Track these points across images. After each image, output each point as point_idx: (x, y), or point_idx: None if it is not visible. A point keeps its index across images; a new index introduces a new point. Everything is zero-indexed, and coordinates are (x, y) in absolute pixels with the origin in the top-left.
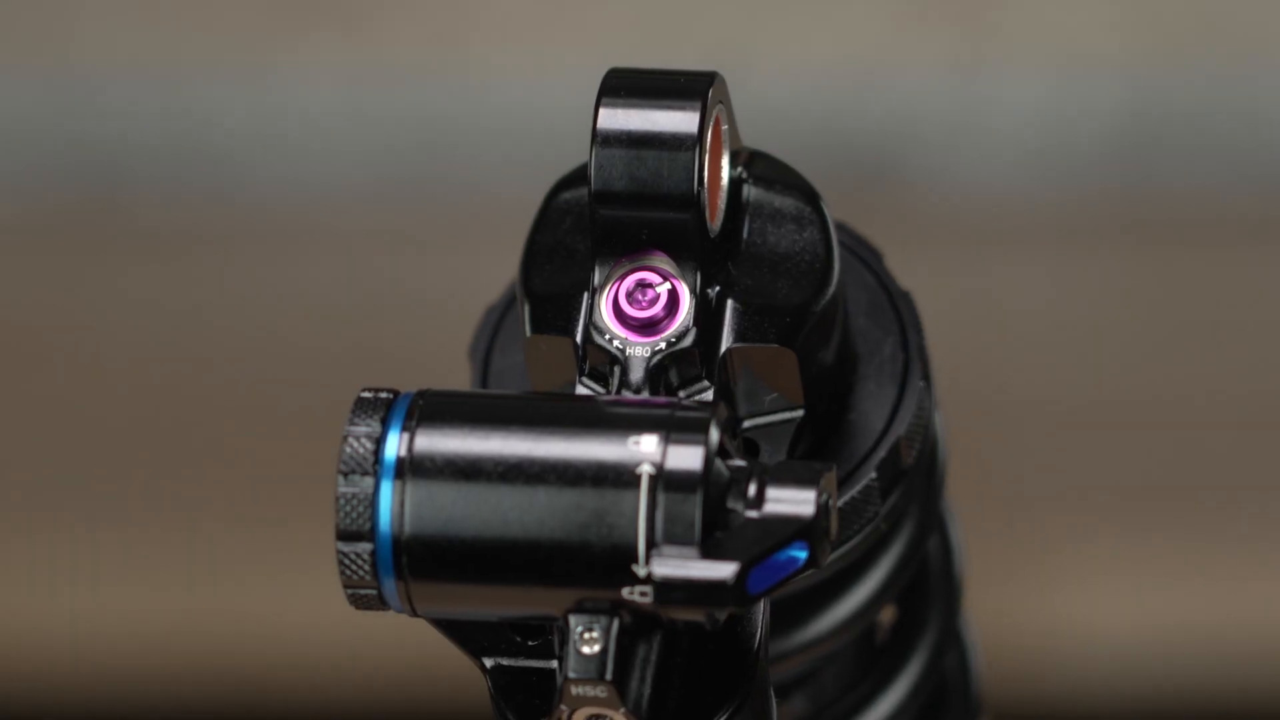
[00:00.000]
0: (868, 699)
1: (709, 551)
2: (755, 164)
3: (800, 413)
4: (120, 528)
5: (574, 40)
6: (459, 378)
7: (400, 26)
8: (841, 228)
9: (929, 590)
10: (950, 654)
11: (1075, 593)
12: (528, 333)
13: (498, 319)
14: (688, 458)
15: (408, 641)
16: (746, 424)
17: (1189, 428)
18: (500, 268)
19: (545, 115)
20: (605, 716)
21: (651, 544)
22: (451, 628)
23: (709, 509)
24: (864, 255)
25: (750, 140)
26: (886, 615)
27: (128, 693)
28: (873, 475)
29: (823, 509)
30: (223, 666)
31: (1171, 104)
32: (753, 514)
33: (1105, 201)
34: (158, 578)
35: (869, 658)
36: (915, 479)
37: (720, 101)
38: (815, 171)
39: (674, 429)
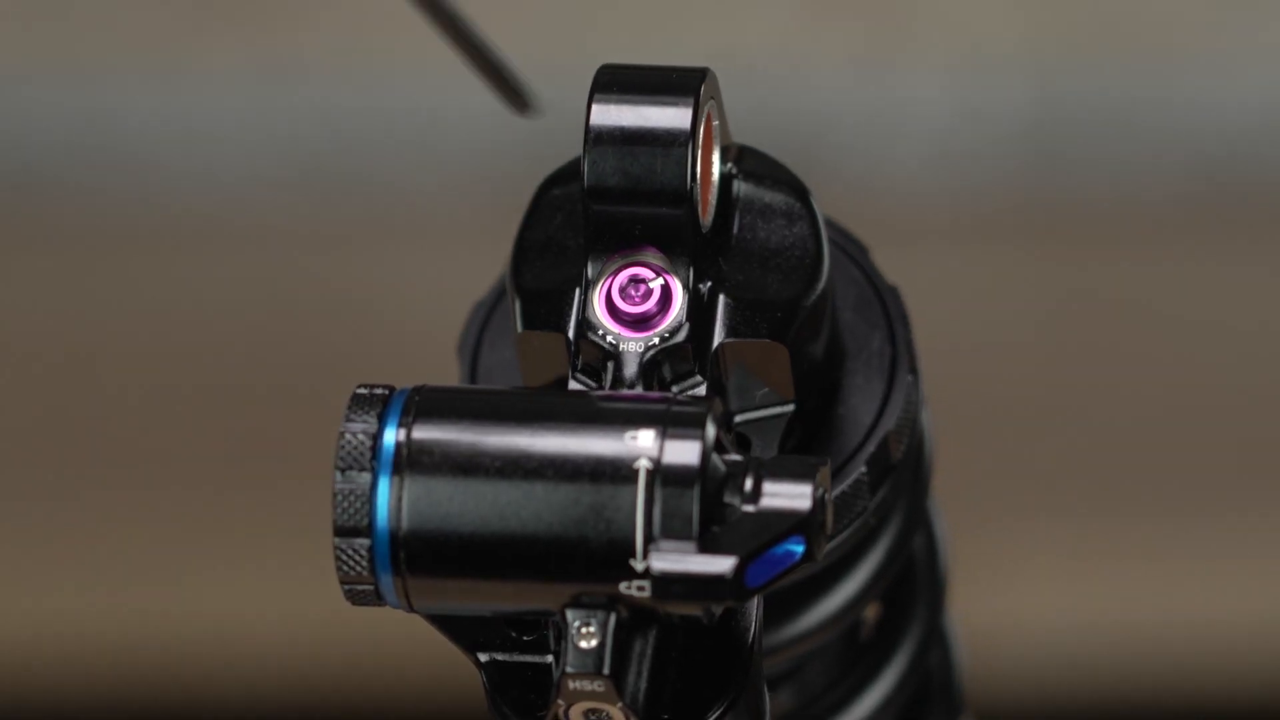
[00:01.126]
0: (852, 695)
1: (706, 546)
2: (745, 159)
3: (791, 407)
4: (37, 528)
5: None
6: (377, 371)
7: (308, 24)
8: (828, 223)
9: (914, 587)
10: (934, 651)
11: (991, 589)
12: (519, 329)
13: (485, 315)
14: (685, 453)
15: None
16: (737, 419)
17: (1100, 421)
18: (417, 262)
19: (455, 112)
20: (602, 710)
21: (649, 539)
22: (446, 623)
23: (706, 504)
24: (850, 250)
25: None
26: (871, 612)
27: (58, 695)
28: (862, 470)
29: (819, 503)
30: (149, 668)
31: (1077, 100)
32: (749, 508)
33: (1011, 197)
34: (77, 577)
35: (854, 654)
36: (903, 473)
37: (711, 97)
38: None
39: (671, 424)
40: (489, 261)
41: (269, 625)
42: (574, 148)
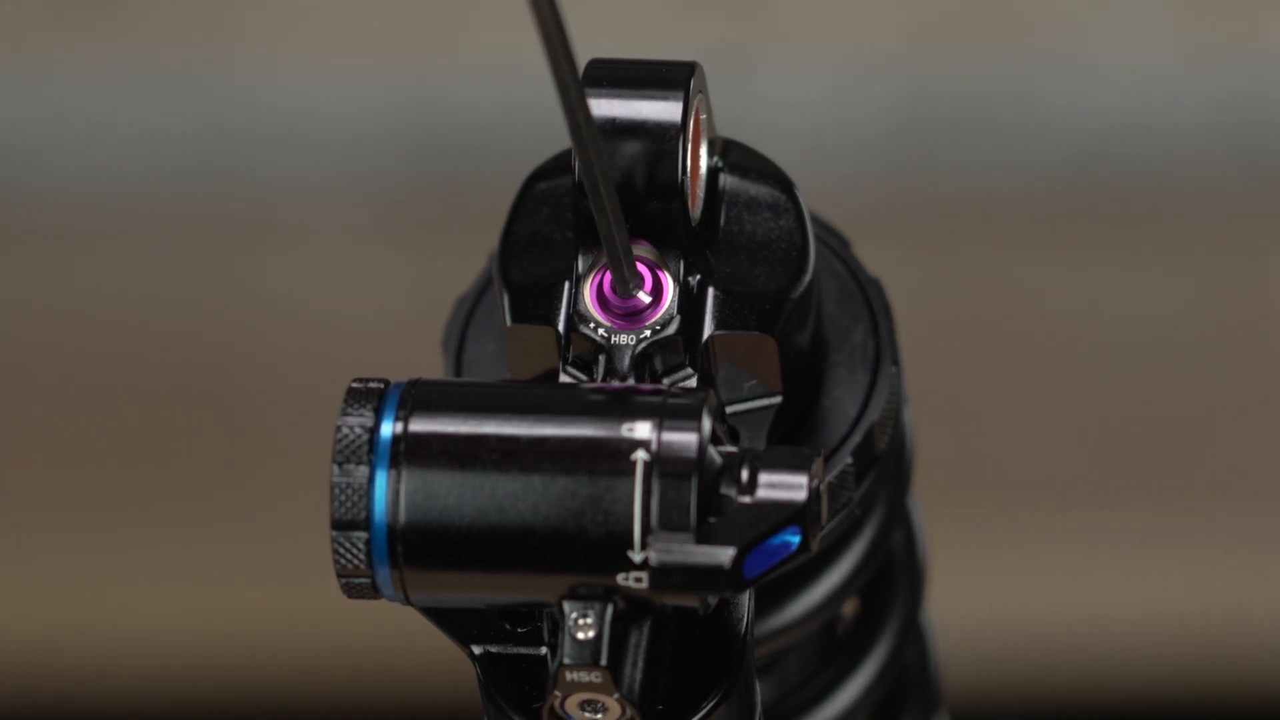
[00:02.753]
0: (829, 689)
1: (704, 537)
2: (730, 152)
3: (778, 399)
4: None
5: (352, 38)
6: (258, 368)
7: (182, 21)
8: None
9: (893, 582)
10: (911, 646)
11: None
12: (508, 323)
13: (469, 309)
14: (682, 444)
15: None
16: (726, 411)
17: (979, 420)
18: (295, 259)
19: (332, 109)
20: (598, 701)
21: (647, 530)
22: (441, 616)
23: (703, 495)
24: (832, 242)
25: (518, 139)
26: (848, 608)
27: None
28: (848, 461)
29: (814, 494)
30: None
31: (946, 99)
32: (745, 500)
33: (881, 196)
34: None
35: (831, 649)
36: (887, 465)
37: (700, 91)
38: None
39: (667, 416)
40: (367, 257)
41: (182, 624)
42: (451, 145)
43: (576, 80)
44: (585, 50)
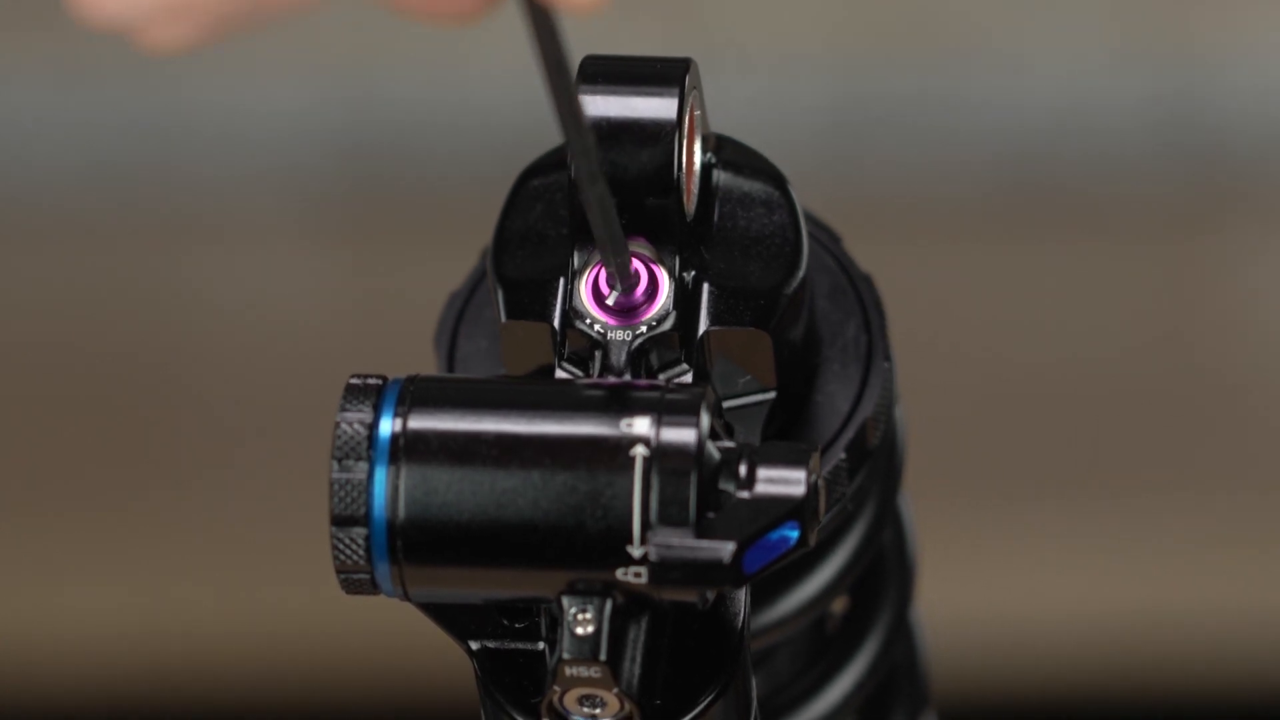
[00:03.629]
0: (818, 686)
1: (703, 532)
2: (724, 149)
3: (772, 395)
4: None
5: (283, 37)
6: (186, 368)
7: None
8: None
9: (882, 580)
10: (900, 644)
11: None
12: (503, 319)
13: (461, 305)
14: (681, 440)
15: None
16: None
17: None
18: (223, 258)
19: (259, 109)
20: (597, 696)
21: (646, 525)
22: (438, 611)
23: (701, 490)
24: (823, 238)
25: (451, 137)
26: (837, 605)
27: None
28: (842, 456)
29: (813, 489)
30: None
31: (876, 99)
32: (744, 495)
33: (816, 195)
34: None
35: (820, 645)
36: (879, 460)
37: (694, 87)
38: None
39: (666, 411)
40: (299, 254)
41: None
42: (382, 142)
43: (567, 75)
44: (514, 55)
